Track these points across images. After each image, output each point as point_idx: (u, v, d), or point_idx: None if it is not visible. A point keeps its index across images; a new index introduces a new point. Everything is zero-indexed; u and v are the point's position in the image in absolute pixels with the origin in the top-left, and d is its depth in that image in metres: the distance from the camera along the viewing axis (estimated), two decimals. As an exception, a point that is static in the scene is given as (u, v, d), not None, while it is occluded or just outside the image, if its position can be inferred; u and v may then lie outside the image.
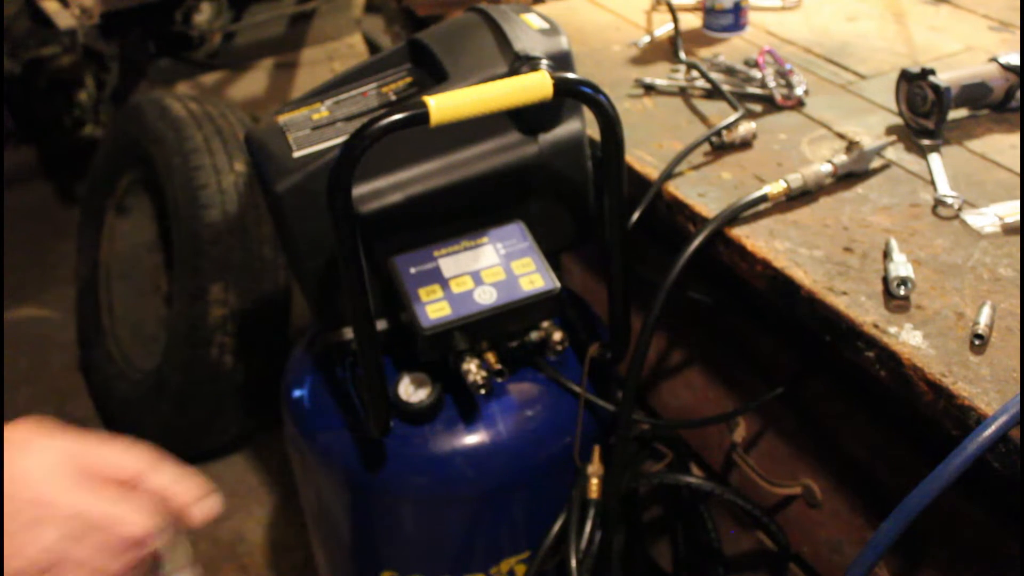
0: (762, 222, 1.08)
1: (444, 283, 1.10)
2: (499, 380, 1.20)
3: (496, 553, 1.27)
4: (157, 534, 0.65)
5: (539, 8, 1.34)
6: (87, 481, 0.64)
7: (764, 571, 1.30)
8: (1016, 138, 1.17)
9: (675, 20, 1.54)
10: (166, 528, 0.67)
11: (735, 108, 1.28)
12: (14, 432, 0.64)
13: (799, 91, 1.31)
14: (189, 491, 0.68)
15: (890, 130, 1.23)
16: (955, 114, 1.21)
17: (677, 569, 1.49)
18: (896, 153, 1.17)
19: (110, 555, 0.63)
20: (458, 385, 1.18)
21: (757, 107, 1.32)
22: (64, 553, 0.62)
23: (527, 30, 1.12)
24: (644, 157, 1.23)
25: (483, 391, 1.14)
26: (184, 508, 0.68)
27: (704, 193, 1.14)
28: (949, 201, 1.03)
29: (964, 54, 1.41)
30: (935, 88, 1.15)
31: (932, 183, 1.09)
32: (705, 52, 1.50)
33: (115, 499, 0.64)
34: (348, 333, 1.19)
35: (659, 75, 1.42)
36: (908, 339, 0.87)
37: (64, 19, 2.56)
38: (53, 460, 0.63)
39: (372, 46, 2.99)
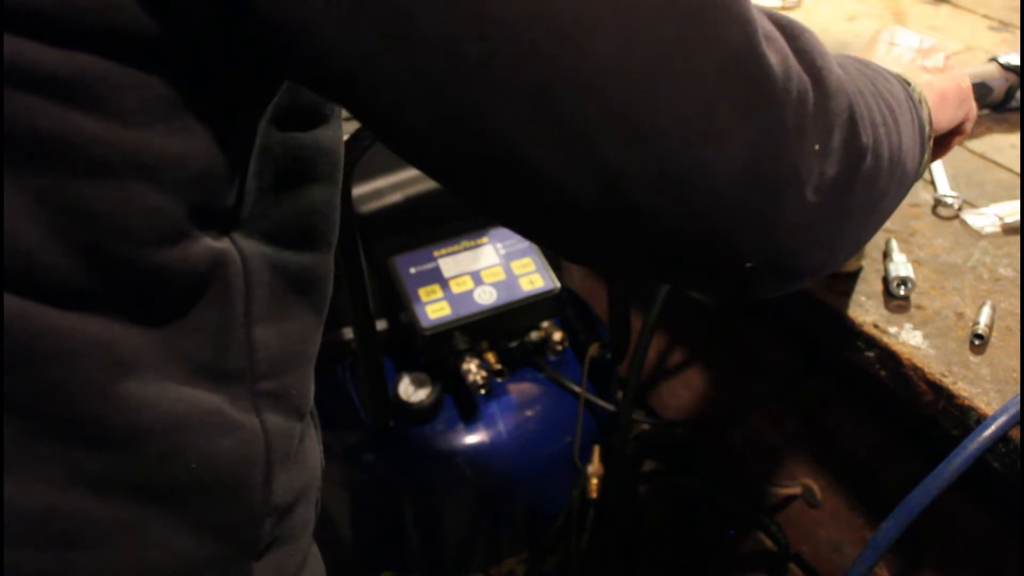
0: (762, 222, 1.07)
1: (444, 283, 1.10)
2: (499, 380, 1.20)
3: (496, 553, 1.27)
4: None
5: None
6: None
7: (764, 571, 1.30)
8: (1016, 138, 1.17)
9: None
10: None
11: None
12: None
13: (799, 91, 1.31)
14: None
15: (890, 130, 1.23)
16: (955, 114, 1.20)
17: (677, 569, 1.49)
18: (896, 153, 1.17)
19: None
20: (458, 385, 1.18)
21: (757, 107, 1.32)
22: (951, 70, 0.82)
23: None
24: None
25: (483, 391, 1.14)
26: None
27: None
28: (949, 201, 1.03)
29: (964, 54, 1.41)
30: (935, 88, 1.15)
31: (932, 183, 1.09)
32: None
33: None
34: (348, 333, 1.19)
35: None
36: (908, 339, 0.87)
37: None
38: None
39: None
